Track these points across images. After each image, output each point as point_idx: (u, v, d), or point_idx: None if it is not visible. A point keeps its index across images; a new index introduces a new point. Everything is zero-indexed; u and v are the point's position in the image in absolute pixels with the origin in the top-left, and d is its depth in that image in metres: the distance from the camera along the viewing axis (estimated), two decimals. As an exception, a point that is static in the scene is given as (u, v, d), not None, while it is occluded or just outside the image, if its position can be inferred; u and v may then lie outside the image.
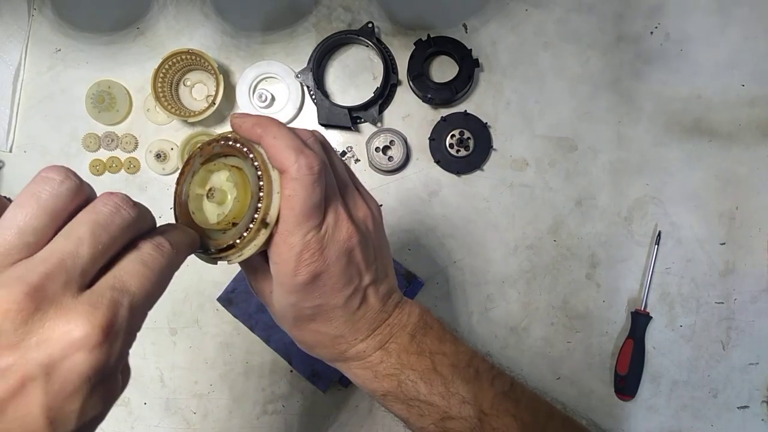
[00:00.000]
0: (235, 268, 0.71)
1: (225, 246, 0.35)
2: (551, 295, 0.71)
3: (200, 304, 0.72)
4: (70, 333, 0.24)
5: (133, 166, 0.73)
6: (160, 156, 0.72)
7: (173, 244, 0.31)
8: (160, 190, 0.73)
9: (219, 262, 0.36)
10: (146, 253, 0.29)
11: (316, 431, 0.70)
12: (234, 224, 0.34)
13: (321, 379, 0.70)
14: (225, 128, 0.74)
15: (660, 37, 0.73)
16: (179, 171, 0.37)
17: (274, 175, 0.34)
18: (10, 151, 0.74)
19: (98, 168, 0.73)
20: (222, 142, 0.35)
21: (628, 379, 0.68)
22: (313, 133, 0.38)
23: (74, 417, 0.25)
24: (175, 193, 0.37)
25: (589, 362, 0.70)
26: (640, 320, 0.69)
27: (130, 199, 0.30)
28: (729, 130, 0.72)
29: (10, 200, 0.27)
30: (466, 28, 0.74)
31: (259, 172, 0.34)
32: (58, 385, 0.24)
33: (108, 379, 0.27)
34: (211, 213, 0.36)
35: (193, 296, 0.72)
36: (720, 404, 0.69)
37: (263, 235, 0.34)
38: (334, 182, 0.38)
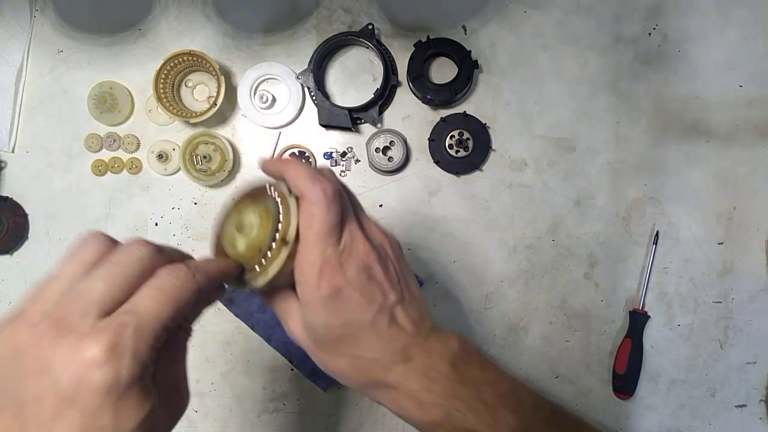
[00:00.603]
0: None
1: (252, 268, 0.39)
2: (550, 295, 0.71)
3: (201, 303, 0.72)
4: (83, 354, 0.28)
5: (135, 167, 0.74)
6: (162, 156, 0.72)
7: (190, 267, 0.34)
8: (162, 190, 0.74)
9: (250, 287, 0.40)
10: (160, 277, 0.32)
11: (316, 429, 0.71)
12: (258, 250, 0.39)
13: (321, 377, 0.70)
14: (226, 129, 0.74)
15: (658, 38, 0.73)
16: (218, 222, 0.42)
17: (292, 202, 0.39)
18: (13, 152, 0.75)
19: (100, 168, 0.74)
20: (254, 188, 0.42)
21: (626, 378, 0.69)
22: (329, 168, 0.42)
23: (110, 430, 0.28)
24: (214, 237, 0.42)
25: (587, 361, 0.71)
26: (638, 319, 0.70)
27: (147, 241, 0.34)
28: (727, 131, 0.72)
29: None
30: (465, 30, 0.74)
31: (278, 200, 0.39)
32: (84, 402, 0.28)
33: (129, 391, 0.29)
34: (241, 245, 0.40)
35: (195, 296, 0.72)
36: (718, 403, 0.70)
37: (284, 252, 0.38)
38: (350, 208, 0.41)
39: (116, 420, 0.28)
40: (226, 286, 0.40)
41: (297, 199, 0.39)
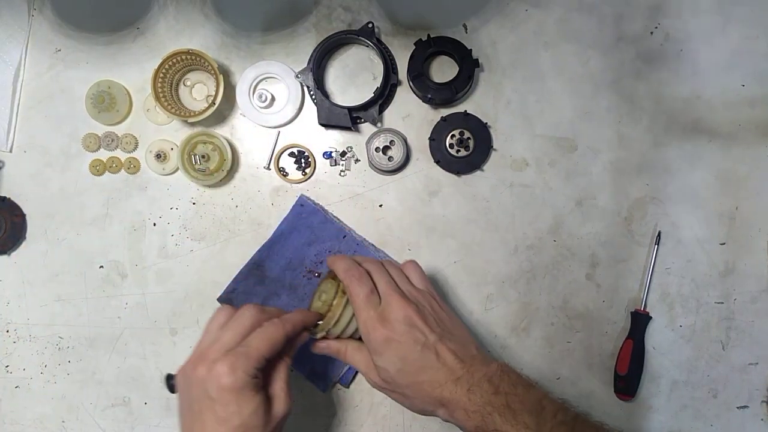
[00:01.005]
0: (236, 267, 0.71)
1: (324, 316, 0.58)
2: (551, 295, 0.71)
3: (201, 304, 0.72)
4: (216, 370, 0.50)
5: (133, 166, 0.73)
6: (160, 156, 0.72)
7: (282, 320, 0.55)
8: (160, 190, 0.73)
9: (321, 334, 0.59)
10: (263, 327, 0.53)
11: (316, 430, 0.71)
12: (331, 305, 0.58)
13: (321, 378, 0.70)
14: (225, 129, 0.74)
15: (660, 37, 0.73)
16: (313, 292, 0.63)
17: None
18: (11, 151, 0.74)
19: (98, 168, 0.73)
20: (330, 271, 0.62)
21: (627, 379, 0.68)
22: (371, 260, 0.61)
23: (236, 415, 0.49)
24: (310, 300, 0.63)
25: (589, 362, 0.70)
26: (640, 320, 0.69)
27: (259, 308, 0.56)
28: (729, 130, 0.72)
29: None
30: (466, 29, 0.74)
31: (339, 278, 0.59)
32: (220, 398, 0.49)
33: (244, 390, 0.49)
34: (320, 305, 0.60)
35: (194, 296, 0.72)
36: (720, 404, 0.69)
37: (342, 300, 0.57)
38: (387, 280, 0.57)
39: (238, 408, 0.49)
40: (312, 331, 0.59)
41: None
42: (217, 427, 0.49)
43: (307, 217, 0.71)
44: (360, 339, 0.58)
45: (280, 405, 0.52)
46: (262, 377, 0.52)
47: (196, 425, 0.50)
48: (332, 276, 0.61)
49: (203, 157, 0.71)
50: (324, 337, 0.59)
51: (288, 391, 0.54)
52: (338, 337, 0.59)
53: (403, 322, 0.54)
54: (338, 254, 0.66)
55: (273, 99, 0.73)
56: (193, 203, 0.73)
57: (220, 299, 0.71)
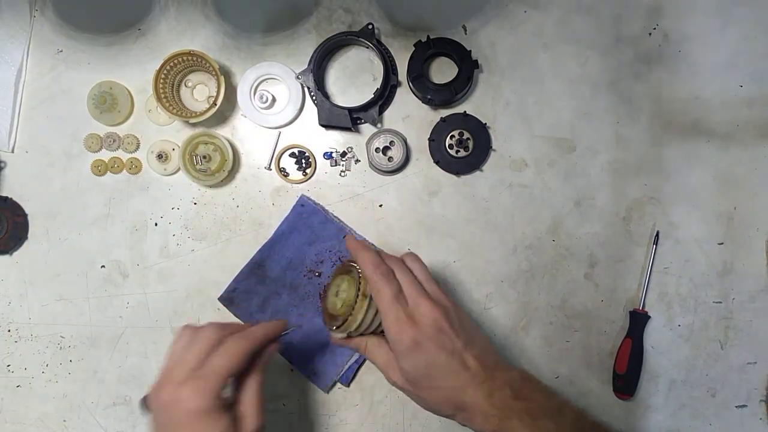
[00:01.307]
0: (237, 267, 0.71)
1: (346, 318, 0.57)
2: (550, 295, 0.71)
3: (201, 303, 0.72)
4: (180, 393, 0.49)
5: (134, 167, 0.74)
6: (161, 156, 0.72)
7: (243, 333, 0.54)
8: (162, 190, 0.74)
9: (341, 335, 0.58)
10: (225, 344, 0.52)
11: (316, 429, 0.71)
12: (351, 306, 0.57)
13: (321, 377, 0.70)
14: (226, 129, 0.74)
15: (658, 38, 0.73)
16: (325, 291, 0.65)
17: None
18: (12, 152, 0.75)
19: (100, 168, 0.74)
20: (343, 265, 0.62)
21: (626, 378, 0.69)
22: (411, 255, 0.60)
23: None
24: (323, 303, 0.63)
25: (587, 361, 0.71)
26: (638, 320, 0.70)
27: (221, 325, 0.55)
28: (727, 131, 0.72)
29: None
30: (465, 30, 0.74)
31: (359, 270, 0.57)
32: (185, 421, 0.49)
33: (209, 413, 0.49)
34: (339, 304, 0.59)
35: (194, 296, 0.72)
36: (718, 403, 0.70)
37: (365, 303, 0.56)
38: (414, 283, 0.56)
39: (206, 429, 0.49)
40: (331, 328, 0.58)
41: None
42: None
43: (307, 217, 0.71)
44: (380, 332, 0.57)
45: (250, 423, 0.52)
46: (231, 394, 0.53)
47: None
48: (346, 269, 0.60)
49: (204, 157, 0.72)
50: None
51: (259, 408, 0.53)
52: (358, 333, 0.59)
53: (432, 326, 0.53)
54: (358, 240, 0.61)
55: (274, 100, 0.73)
56: (195, 203, 0.74)
57: (221, 299, 0.71)
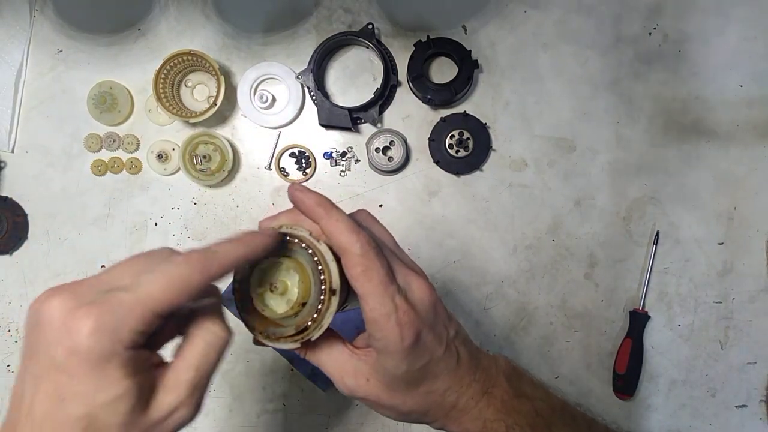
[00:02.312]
0: (236, 268, 0.71)
1: (304, 326, 0.38)
2: (550, 295, 0.71)
3: (201, 303, 0.72)
4: (76, 323, 0.31)
5: (134, 167, 0.74)
6: (161, 156, 0.72)
7: (206, 255, 0.34)
8: (162, 190, 0.74)
9: (293, 345, 0.39)
10: (173, 261, 0.34)
11: (316, 430, 0.71)
12: (303, 305, 0.38)
13: (321, 377, 0.70)
14: (226, 129, 0.74)
15: (658, 37, 0.73)
16: (233, 283, 0.40)
17: (325, 249, 0.38)
18: (12, 152, 0.75)
19: (100, 168, 0.74)
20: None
21: (626, 378, 0.69)
22: (364, 211, 0.42)
23: (83, 399, 0.31)
24: (236, 302, 0.40)
25: (587, 361, 0.71)
26: (638, 320, 0.69)
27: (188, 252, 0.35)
28: (727, 131, 0.72)
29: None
30: (465, 30, 0.74)
31: (310, 251, 0.38)
32: (68, 366, 0.31)
33: (107, 365, 0.31)
34: (279, 304, 0.39)
35: (194, 296, 0.72)
36: (718, 403, 0.70)
37: (334, 301, 0.38)
38: (395, 250, 0.41)
39: (92, 388, 0.30)
40: (274, 338, 0.39)
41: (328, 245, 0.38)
42: (51, 410, 0.30)
43: (307, 217, 0.71)
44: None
45: (167, 402, 0.33)
46: (153, 350, 0.35)
47: (25, 395, 0.31)
48: (280, 243, 0.38)
49: (204, 157, 0.72)
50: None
51: (194, 390, 0.34)
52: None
53: (430, 311, 0.40)
54: (311, 191, 0.39)
55: (274, 100, 0.73)
56: (195, 203, 0.74)
57: (221, 299, 0.71)
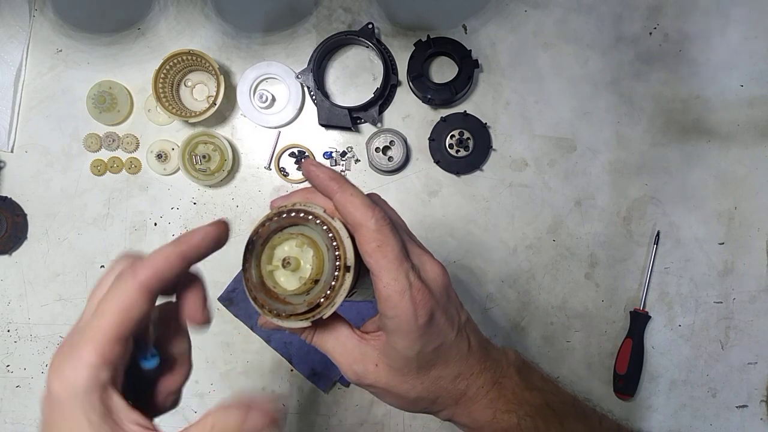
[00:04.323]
0: (237, 267, 0.71)
1: (316, 303, 0.37)
2: (550, 295, 0.71)
3: (201, 303, 0.72)
4: (54, 365, 0.31)
5: (134, 166, 0.74)
6: (161, 156, 0.72)
7: (140, 261, 0.33)
8: (161, 190, 0.73)
9: (303, 323, 0.38)
10: (115, 283, 0.33)
11: (316, 430, 0.71)
12: (316, 281, 0.37)
13: (321, 378, 0.70)
14: (225, 129, 0.74)
15: (659, 37, 0.73)
16: (243, 261, 0.39)
17: (339, 225, 0.38)
18: (12, 151, 0.75)
19: (99, 168, 0.73)
20: (275, 218, 0.39)
21: (627, 378, 0.69)
22: (375, 194, 0.42)
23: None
24: (246, 279, 0.39)
25: (588, 362, 0.70)
26: (639, 320, 0.69)
27: (125, 254, 0.35)
28: (728, 131, 0.72)
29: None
30: (465, 29, 0.74)
31: (325, 227, 0.37)
32: (59, 408, 0.31)
33: (84, 397, 0.30)
34: (290, 281, 0.38)
35: (194, 296, 0.72)
36: (719, 403, 0.70)
37: (348, 278, 0.37)
38: (405, 232, 0.41)
39: (79, 423, 0.30)
40: (289, 316, 0.38)
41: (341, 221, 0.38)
42: None
43: (307, 217, 0.71)
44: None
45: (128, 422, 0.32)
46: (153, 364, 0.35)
47: None
48: (290, 222, 0.39)
49: (204, 157, 0.71)
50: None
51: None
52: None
53: (443, 292, 0.39)
54: (325, 166, 0.39)
55: (273, 99, 0.73)
56: (194, 203, 0.73)
57: (221, 299, 0.71)
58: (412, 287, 0.37)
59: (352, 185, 0.38)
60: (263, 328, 0.41)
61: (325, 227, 0.37)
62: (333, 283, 0.37)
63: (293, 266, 0.38)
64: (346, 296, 0.38)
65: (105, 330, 0.31)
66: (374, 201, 0.39)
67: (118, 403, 0.31)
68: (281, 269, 0.38)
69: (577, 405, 0.43)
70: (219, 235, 0.35)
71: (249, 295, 0.39)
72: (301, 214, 0.38)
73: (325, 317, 0.38)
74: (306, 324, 0.38)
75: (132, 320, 0.31)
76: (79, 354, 0.30)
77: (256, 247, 0.39)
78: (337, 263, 0.37)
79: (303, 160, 0.35)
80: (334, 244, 0.37)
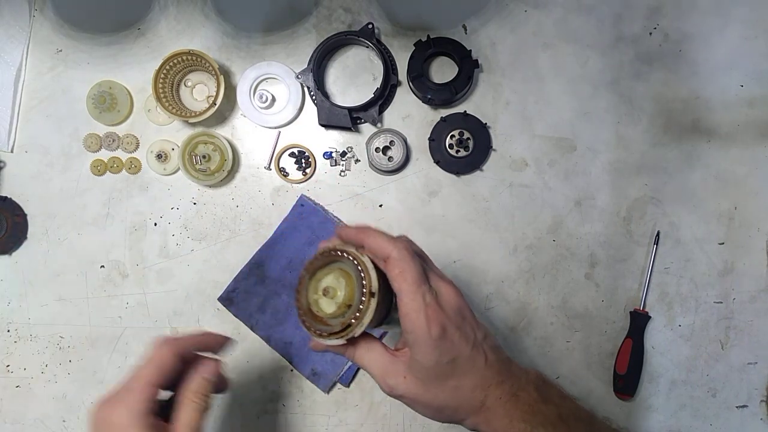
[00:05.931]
0: (237, 267, 0.71)
1: (348, 323, 0.46)
2: (550, 295, 0.71)
3: (201, 303, 0.72)
4: (106, 410, 0.47)
5: (134, 167, 0.74)
6: (161, 156, 0.72)
7: (169, 339, 0.50)
8: (161, 190, 0.73)
9: (339, 341, 0.47)
10: (153, 351, 0.49)
11: (316, 430, 0.71)
12: (348, 306, 0.47)
13: (321, 378, 0.70)
14: (225, 129, 0.74)
15: (659, 37, 0.73)
16: (296, 292, 0.49)
17: (366, 259, 0.47)
18: (12, 152, 0.75)
19: (99, 168, 0.74)
20: (319, 257, 0.49)
21: (627, 378, 0.69)
22: (404, 236, 0.50)
23: None
24: (297, 307, 0.49)
25: (588, 362, 0.70)
26: (639, 320, 0.69)
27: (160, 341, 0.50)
28: (728, 131, 0.72)
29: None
30: (465, 29, 0.74)
31: (355, 262, 0.47)
32: None
33: (136, 428, 0.45)
34: (329, 306, 0.48)
35: (194, 296, 0.72)
36: (719, 403, 0.70)
37: (373, 303, 0.46)
38: (426, 262, 0.49)
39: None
40: (327, 335, 0.47)
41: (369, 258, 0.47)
42: None
43: (307, 217, 0.71)
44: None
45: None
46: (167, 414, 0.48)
47: None
48: (329, 260, 0.49)
49: (204, 157, 0.71)
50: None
51: (194, 427, 0.47)
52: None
53: (457, 313, 0.46)
54: (352, 225, 0.50)
55: (273, 99, 0.73)
56: (194, 203, 0.73)
57: (221, 299, 0.71)
58: (428, 306, 0.44)
59: (376, 228, 0.47)
60: (314, 350, 0.53)
61: (355, 262, 0.47)
62: (361, 306, 0.46)
63: (331, 294, 0.47)
64: (378, 324, 0.48)
65: (148, 378, 0.47)
66: (399, 238, 0.47)
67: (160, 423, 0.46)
68: (323, 297, 0.48)
69: (594, 423, 0.47)
70: (225, 346, 0.54)
71: (299, 318, 0.49)
72: (338, 253, 0.48)
73: (356, 335, 0.46)
74: (342, 341, 0.47)
75: (165, 374, 0.47)
76: (134, 395, 0.45)
77: (305, 280, 0.49)
78: (364, 290, 0.46)
79: (336, 227, 0.51)
80: (362, 274, 0.46)
